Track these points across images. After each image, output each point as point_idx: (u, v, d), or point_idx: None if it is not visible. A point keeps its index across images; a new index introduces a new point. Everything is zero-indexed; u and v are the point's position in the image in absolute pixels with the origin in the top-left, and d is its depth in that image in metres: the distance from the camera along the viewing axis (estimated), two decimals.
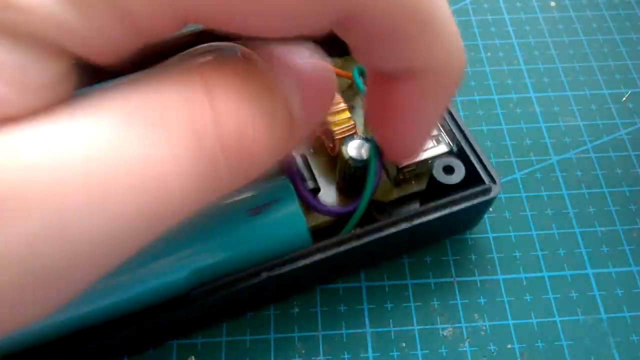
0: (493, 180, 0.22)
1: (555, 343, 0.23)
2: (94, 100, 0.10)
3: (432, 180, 0.23)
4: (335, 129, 0.23)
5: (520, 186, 0.27)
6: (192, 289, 0.19)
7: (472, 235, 0.25)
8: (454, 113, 0.24)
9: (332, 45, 0.27)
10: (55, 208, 0.09)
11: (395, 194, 0.24)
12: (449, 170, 0.22)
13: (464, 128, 0.23)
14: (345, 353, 0.22)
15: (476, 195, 0.22)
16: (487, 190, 0.22)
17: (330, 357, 0.22)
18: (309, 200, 0.22)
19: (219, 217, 0.20)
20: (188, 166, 0.10)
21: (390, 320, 0.23)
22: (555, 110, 0.30)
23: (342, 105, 0.23)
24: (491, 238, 0.25)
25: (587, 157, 0.28)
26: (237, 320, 0.23)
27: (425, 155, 0.23)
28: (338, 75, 0.26)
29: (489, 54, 0.32)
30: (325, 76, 0.13)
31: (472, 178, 0.22)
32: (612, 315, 0.23)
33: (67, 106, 0.10)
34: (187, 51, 0.13)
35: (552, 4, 0.34)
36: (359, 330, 0.23)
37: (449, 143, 0.23)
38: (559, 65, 0.31)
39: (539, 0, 0.34)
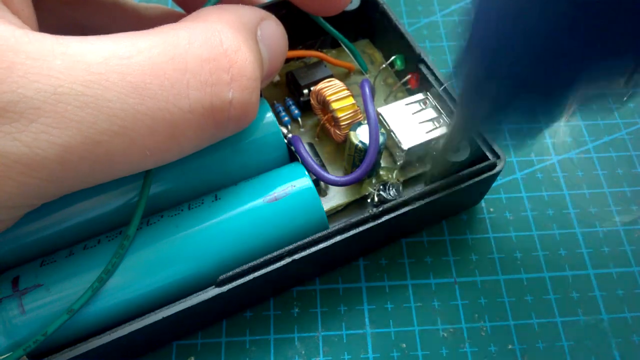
0: (497, 155, 0.23)
1: (556, 344, 0.23)
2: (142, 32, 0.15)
3: (438, 158, 0.23)
4: (341, 115, 0.23)
5: (521, 186, 0.27)
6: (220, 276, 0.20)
7: (473, 236, 0.25)
8: (453, 94, 0.24)
9: (326, 37, 0.28)
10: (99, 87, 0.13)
11: (401, 176, 0.25)
12: (455, 148, 0.23)
13: None
14: (346, 354, 0.22)
15: (482, 170, 0.23)
16: (492, 165, 0.23)
17: (330, 358, 0.22)
18: (323, 177, 0.22)
19: (237, 207, 0.21)
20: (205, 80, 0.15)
21: (391, 321, 0.23)
22: None
23: (346, 92, 0.24)
24: (492, 238, 0.25)
25: (589, 157, 0.28)
26: (238, 319, 0.23)
27: (428, 136, 0.24)
28: (333, 64, 0.27)
29: None
30: (281, 39, 0.19)
31: (476, 155, 0.23)
32: (613, 315, 0.23)
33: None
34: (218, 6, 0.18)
35: None
36: (359, 331, 0.23)
37: (450, 124, 0.24)
38: None
39: None
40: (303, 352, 0.22)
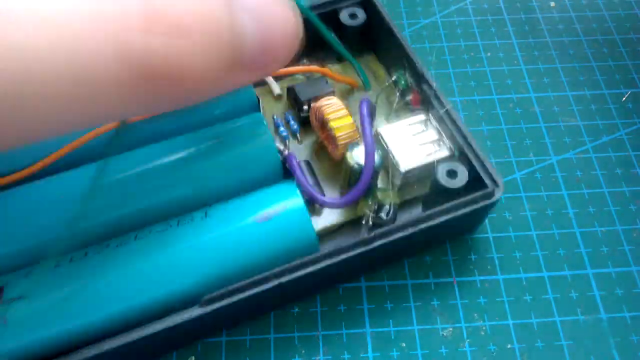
0: (495, 183, 0.22)
1: (555, 343, 0.23)
2: None
3: (435, 184, 0.23)
4: (339, 134, 0.23)
5: (520, 186, 0.27)
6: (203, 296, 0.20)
7: (472, 236, 0.25)
8: (455, 117, 0.24)
9: (329, 51, 0.27)
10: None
11: (398, 198, 0.24)
12: (452, 174, 0.23)
13: (465, 132, 0.23)
14: (345, 353, 0.22)
15: (479, 199, 0.22)
16: (490, 194, 0.22)
17: (330, 357, 0.22)
18: (316, 198, 0.22)
19: (226, 225, 0.20)
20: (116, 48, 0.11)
21: (390, 320, 0.23)
22: (555, 110, 0.30)
23: (344, 111, 0.24)
24: (491, 238, 0.25)
25: (587, 157, 0.28)
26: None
27: (427, 159, 0.23)
28: (337, 80, 0.26)
29: (489, 54, 0.32)
30: (291, 17, 0.13)
31: (474, 180, 0.23)
32: (612, 315, 0.23)
33: None
34: None
35: (552, 4, 0.34)
36: (359, 330, 0.23)
37: (450, 147, 0.24)
38: (558, 66, 0.31)
39: (538, 1, 0.34)
40: (303, 351, 0.23)
